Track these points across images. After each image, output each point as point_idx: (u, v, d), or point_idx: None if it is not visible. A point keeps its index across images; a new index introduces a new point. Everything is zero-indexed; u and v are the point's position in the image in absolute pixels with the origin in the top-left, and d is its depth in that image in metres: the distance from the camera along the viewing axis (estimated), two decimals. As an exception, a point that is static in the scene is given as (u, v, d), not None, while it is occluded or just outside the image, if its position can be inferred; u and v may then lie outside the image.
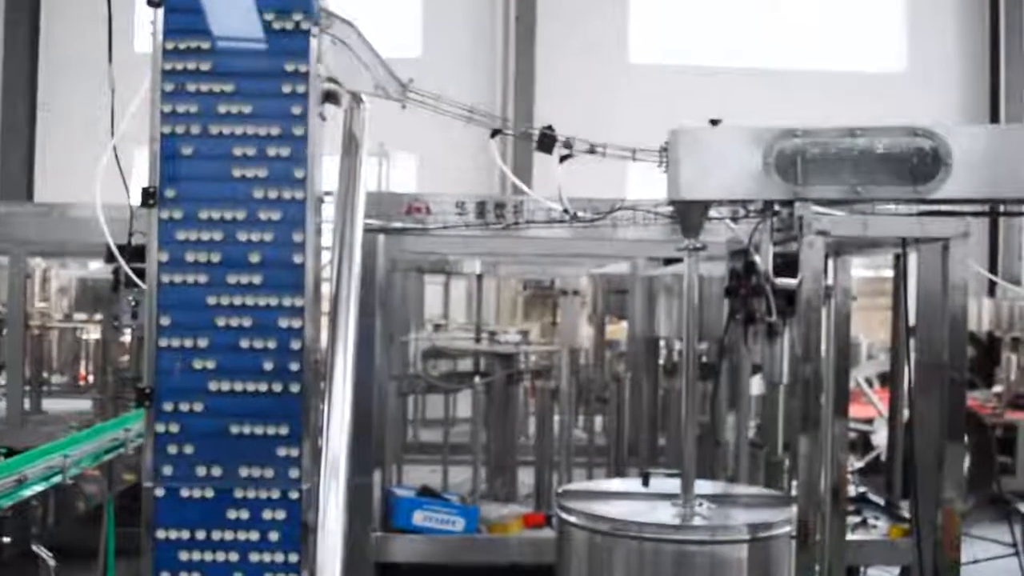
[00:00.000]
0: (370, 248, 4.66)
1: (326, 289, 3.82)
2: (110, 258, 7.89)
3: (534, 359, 6.83)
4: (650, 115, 9.93)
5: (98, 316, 10.16)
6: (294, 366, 3.81)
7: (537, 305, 11.84)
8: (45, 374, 9.24)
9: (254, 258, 3.80)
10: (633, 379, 6.49)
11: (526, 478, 6.51)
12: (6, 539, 3.91)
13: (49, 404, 8.87)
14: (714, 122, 4.21)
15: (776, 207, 4.28)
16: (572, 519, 4.32)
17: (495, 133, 4.42)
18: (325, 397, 3.53)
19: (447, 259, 7.78)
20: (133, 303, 4.07)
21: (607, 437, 6.50)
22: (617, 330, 9.54)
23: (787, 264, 4.43)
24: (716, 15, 16.82)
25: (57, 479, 4.40)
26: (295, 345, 3.81)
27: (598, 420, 7.27)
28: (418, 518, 5.44)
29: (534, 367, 6.76)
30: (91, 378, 10.25)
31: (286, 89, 3.83)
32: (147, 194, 3.83)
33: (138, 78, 3.99)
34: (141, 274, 4.03)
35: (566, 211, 4.57)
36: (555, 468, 6.04)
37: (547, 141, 4.34)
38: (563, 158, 4.37)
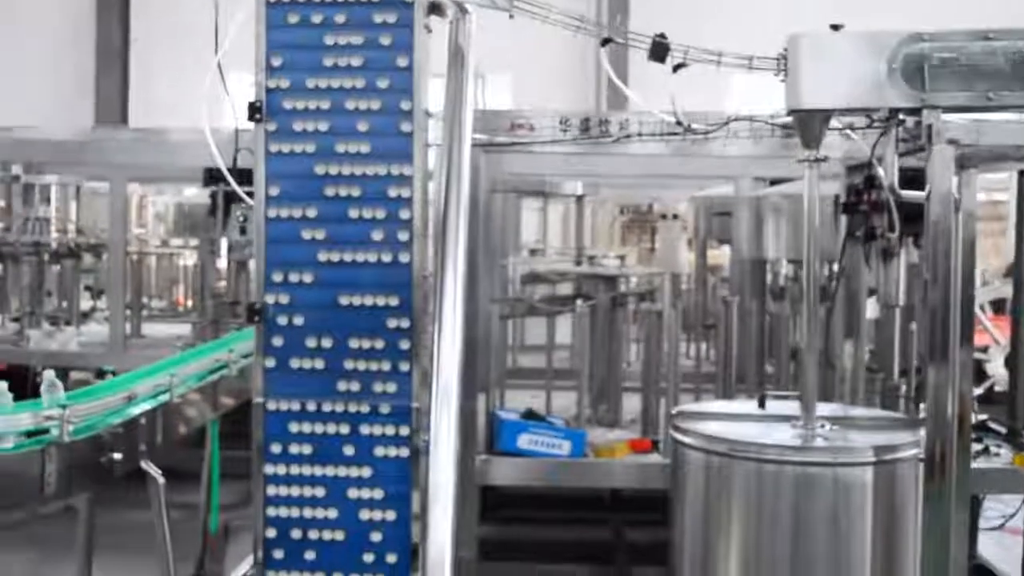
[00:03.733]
0: (474, 166, 4.52)
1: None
2: (208, 181, 7.95)
3: (635, 282, 6.67)
4: (754, 25, 9.62)
5: (194, 242, 10.24)
6: (403, 236, 3.73)
7: (634, 230, 11.63)
8: (144, 299, 9.32)
9: (362, 126, 3.71)
10: (739, 303, 6.29)
11: (629, 404, 6.39)
12: (117, 456, 3.92)
13: (149, 328, 8.97)
14: (835, 27, 4.01)
15: (902, 116, 4.06)
16: (687, 440, 4.20)
17: (605, 42, 4.25)
18: (435, 321, 3.44)
19: (546, 181, 7.64)
20: (242, 219, 4.05)
21: (713, 362, 6.34)
22: (717, 255, 9.33)
23: (911, 179, 4.22)
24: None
25: (164, 397, 4.40)
26: (404, 215, 3.72)
27: (703, 346, 7.12)
28: (524, 441, 5.35)
29: (636, 290, 6.60)
30: (189, 303, 10.37)
31: (392, -6, 3.72)
32: (253, 108, 3.77)
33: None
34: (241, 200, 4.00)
35: (679, 123, 4.39)
36: (661, 394, 5.90)
37: (660, 50, 4.15)
38: (676, 67, 4.18)
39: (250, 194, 3.92)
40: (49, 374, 3.76)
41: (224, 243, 8.62)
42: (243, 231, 4.14)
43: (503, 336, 6.83)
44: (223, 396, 5.15)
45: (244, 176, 4.10)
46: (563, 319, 7.12)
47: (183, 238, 10.81)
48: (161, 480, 4.16)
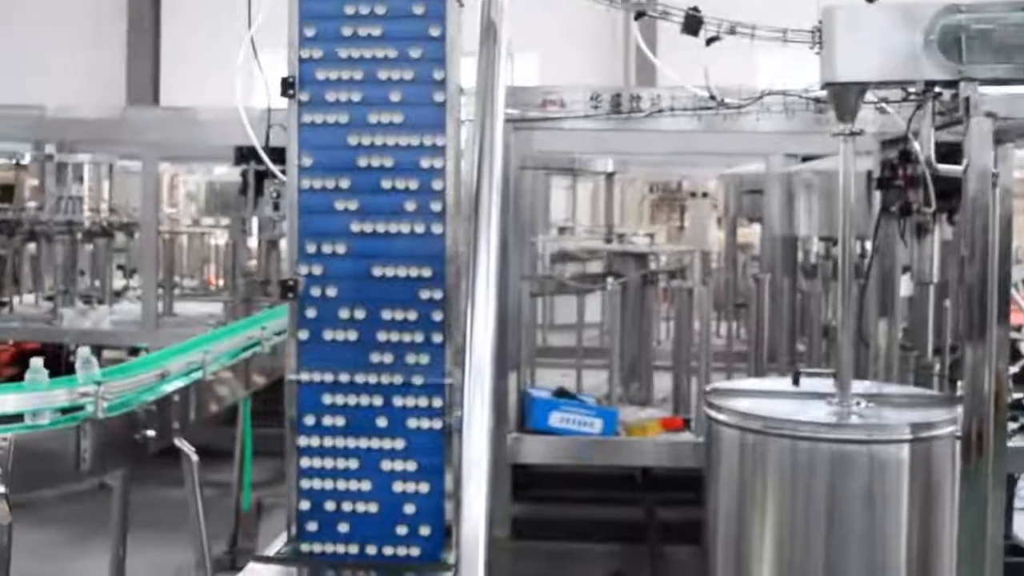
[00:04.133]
0: (504, 143, 4.50)
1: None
2: (239, 160, 7.96)
3: (665, 260, 6.63)
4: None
5: (225, 221, 10.26)
6: (436, 206, 3.72)
7: (664, 208, 11.57)
8: (176, 278, 9.36)
9: (395, 97, 3.70)
10: (770, 281, 6.25)
11: (660, 382, 6.36)
12: (150, 433, 3.93)
13: (180, 307, 9.00)
14: (870, -1, 3.96)
15: (938, 88, 4.01)
16: (721, 417, 4.18)
17: (639, 15, 4.20)
18: (468, 298, 3.42)
19: (575, 158, 7.60)
20: (275, 195, 4.04)
21: (744, 341, 6.30)
22: (746, 233, 9.26)
23: (944, 154, 4.17)
24: None
25: (197, 374, 4.41)
26: (437, 185, 3.71)
27: (733, 324, 7.08)
28: (555, 419, 5.35)
29: (666, 268, 6.56)
30: (220, 282, 10.39)
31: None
32: (287, 83, 3.76)
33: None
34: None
35: (712, 97, 4.35)
36: (692, 372, 5.87)
37: (693, 23, 4.11)
38: (710, 40, 4.14)
39: (283, 171, 3.91)
40: (84, 351, 3.76)
41: (255, 222, 8.65)
42: (276, 207, 4.13)
43: (533, 314, 6.82)
44: (255, 374, 5.16)
45: (276, 154, 4.09)
46: (592, 298, 7.10)
47: (214, 217, 10.84)
48: (195, 457, 4.16)
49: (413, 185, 3.73)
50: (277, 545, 3.84)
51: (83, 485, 4.45)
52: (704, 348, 5.51)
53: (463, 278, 3.61)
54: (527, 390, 5.67)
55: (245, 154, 7.92)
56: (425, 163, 3.72)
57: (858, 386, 4.34)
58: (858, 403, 4.18)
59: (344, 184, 3.75)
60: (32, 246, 9.56)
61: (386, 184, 3.74)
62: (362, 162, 3.74)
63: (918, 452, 3.95)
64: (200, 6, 15.47)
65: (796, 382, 4.50)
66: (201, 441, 4.32)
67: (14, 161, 10.22)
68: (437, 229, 3.73)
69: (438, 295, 3.73)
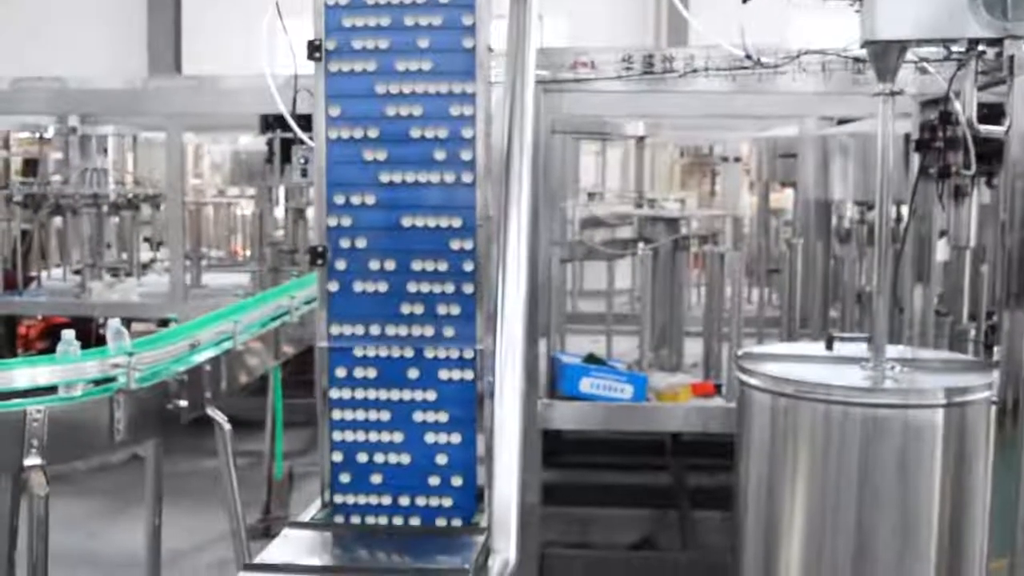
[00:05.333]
0: (536, 106, 4.45)
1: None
2: (264, 128, 7.93)
3: (696, 225, 6.57)
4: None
5: (251, 191, 10.25)
6: (467, 155, 3.67)
7: (695, 173, 11.47)
8: (203, 249, 9.36)
9: (423, 43, 3.65)
10: (803, 246, 6.18)
11: (691, 348, 6.32)
12: (182, 403, 3.93)
13: (208, 278, 9.01)
14: (913, -46, 3.86)
15: (981, 47, 3.92)
16: (753, 382, 4.13)
17: (673, -27, 4.12)
18: (498, 264, 3.39)
19: (607, 122, 7.53)
20: (303, 160, 4.00)
21: (776, 306, 6.25)
22: (777, 198, 9.18)
23: (988, 115, 4.07)
24: None
25: (228, 344, 4.41)
26: (467, 133, 3.67)
27: (765, 290, 7.02)
28: (585, 385, 5.32)
29: (698, 233, 6.51)
30: (247, 252, 10.40)
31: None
32: (313, 46, 3.71)
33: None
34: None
35: (748, 56, 4.27)
36: (724, 338, 5.83)
37: (731, -20, 4.02)
38: (746, -1, 4.06)
39: (311, 137, 3.87)
40: (114, 322, 3.76)
41: (282, 191, 8.64)
42: (304, 173, 4.07)
43: (563, 280, 6.78)
44: (285, 343, 5.16)
45: (303, 120, 4.05)
46: (622, 263, 7.06)
47: (240, 187, 10.83)
48: (227, 426, 4.17)
49: (443, 134, 3.68)
50: (311, 511, 3.84)
51: (117, 456, 4.46)
52: (736, 313, 5.46)
53: (494, 243, 3.57)
54: (557, 356, 5.64)
55: (271, 122, 7.90)
56: (455, 111, 3.67)
57: (892, 351, 4.28)
58: (892, 367, 4.12)
59: (372, 134, 3.70)
60: (58, 220, 9.58)
61: (415, 133, 3.69)
62: (390, 111, 3.69)
63: (952, 417, 3.89)
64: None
65: (829, 347, 4.44)
66: (232, 411, 4.32)
67: (38, 135, 10.22)
68: (467, 178, 3.68)
69: (468, 245, 3.69)
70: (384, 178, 3.70)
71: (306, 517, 3.79)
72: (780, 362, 4.28)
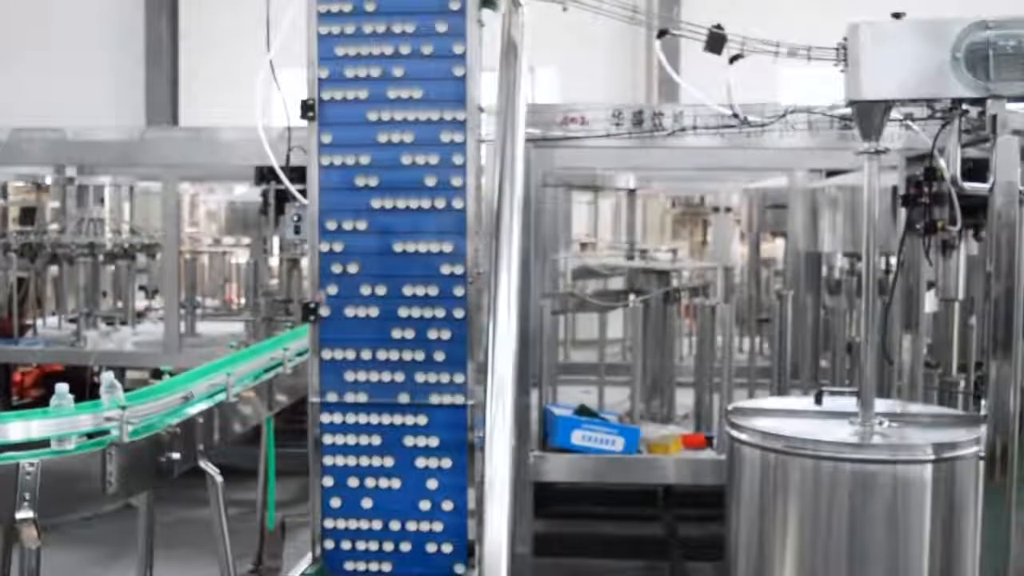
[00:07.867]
0: (526, 161, 4.51)
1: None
2: (260, 180, 7.97)
3: (687, 276, 6.62)
4: (798, 13, 9.38)
5: (246, 240, 10.28)
6: (457, 181, 3.72)
7: (686, 224, 11.55)
8: (198, 298, 9.38)
9: (414, 71, 3.71)
10: (794, 297, 6.23)
11: (682, 399, 6.34)
12: (175, 455, 3.94)
13: (203, 327, 9.02)
14: (896, 15, 3.94)
15: (965, 106, 3.99)
16: (743, 437, 4.16)
17: (662, 34, 4.20)
18: (489, 316, 3.42)
19: (597, 174, 7.60)
20: (296, 218, 4.05)
21: (767, 357, 6.28)
22: (770, 248, 9.24)
23: (968, 171, 4.13)
24: None
25: (221, 396, 4.42)
26: (457, 160, 3.71)
27: (756, 340, 7.04)
28: (577, 437, 5.34)
29: (689, 285, 6.56)
30: (241, 301, 10.42)
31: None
32: (306, 106, 3.77)
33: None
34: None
35: (736, 115, 4.34)
36: (715, 389, 5.85)
37: (717, 41, 4.09)
38: (733, 58, 4.13)
39: (303, 192, 3.92)
40: (108, 375, 3.77)
41: (276, 241, 8.66)
42: (297, 230, 4.12)
43: (555, 331, 6.82)
44: (278, 394, 5.17)
45: (297, 173, 4.10)
46: (613, 314, 7.09)
47: (235, 237, 10.87)
48: (219, 479, 4.18)
49: (433, 160, 3.74)
50: (302, 565, 3.85)
51: (109, 507, 4.45)
52: (727, 365, 5.49)
53: (485, 296, 3.61)
54: (549, 408, 5.66)
55: (265, 174, 7.95)
56: (445, 138, 3.73)
57: (881, 405, 4.31)
58: (881, 423, 4.15)
59: (364, 160, 3.75)
60: (54, 268, 9.59)
61: (406, 160, 3.74)
62: (382, 138, 3.75)
63: (941, 472, 3.91)
64: (217, 27, 15.53)
65: (819, 401, 4.48)
66: (225, 460, 4.33)
67: (35, 184, 10.27)
68: (458, 204, 3.74)
69: (459, 270, 3.74)
70: (376, 204, 3.77)
71: (297, 571, 3.80)
72: (770, 417, 4.31)
